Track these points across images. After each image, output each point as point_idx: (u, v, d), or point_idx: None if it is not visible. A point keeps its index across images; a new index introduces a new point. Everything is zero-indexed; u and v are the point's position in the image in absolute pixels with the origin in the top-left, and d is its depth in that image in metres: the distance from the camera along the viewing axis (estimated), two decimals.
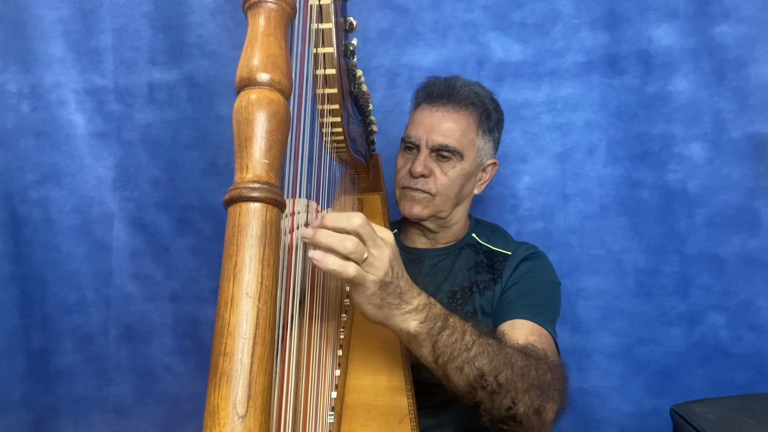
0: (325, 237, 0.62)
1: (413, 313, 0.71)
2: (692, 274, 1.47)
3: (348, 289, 1.03)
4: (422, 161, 1.12)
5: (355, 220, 0.64)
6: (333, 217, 0.64)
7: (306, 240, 0.63)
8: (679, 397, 1.33)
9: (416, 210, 1.14)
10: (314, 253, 0.62)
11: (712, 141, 1.45)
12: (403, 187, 1.16)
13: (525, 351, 0.82)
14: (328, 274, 0.84)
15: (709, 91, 1.45)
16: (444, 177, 1.12)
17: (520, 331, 0.96)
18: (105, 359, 1.70)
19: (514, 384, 0.75)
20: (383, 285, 0.67)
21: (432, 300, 0.74)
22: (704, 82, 1.45)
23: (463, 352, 0.73)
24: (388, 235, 0.68)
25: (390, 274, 0.67)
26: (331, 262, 0.62)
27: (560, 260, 1.45)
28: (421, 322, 0.71)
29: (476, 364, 0.74)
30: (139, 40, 1.64)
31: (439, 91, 1.14)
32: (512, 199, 1.57)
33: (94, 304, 1.70)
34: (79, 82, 1.66)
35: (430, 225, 1.19)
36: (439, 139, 1.11)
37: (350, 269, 0.63)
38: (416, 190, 1.13)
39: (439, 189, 1.13)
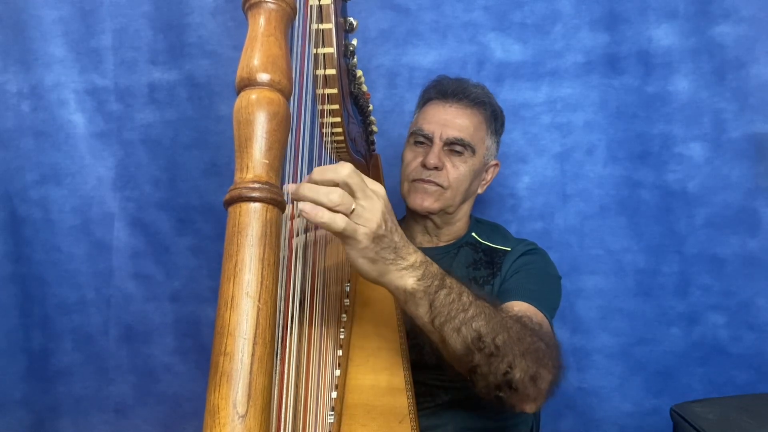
0: (310, 191, 0.61)
1: (410, 270, 0.70)
2: (692, 274, 1.48)
3: (348, 290, 1.03)
4: (436, 153, 1.13)
5: (343, 170, 0.62)
6: (320, 170, 0.63)
7: (292, 196, 0.61)
8: (678, 397, 1.33)
9: (427, 203, 1.14)
10: (304, 206, 0.60)
11: (711, 141, 1.45)
12: (414, 180, 1.16)
13: (520, 320, 0.81)
14: (328, 273, 0.84)
15: (709, 91, 1.45)
16: (456, 171, 1.13)
17: (516, 308, 0.94)
18: (105, 359, 1.70)
19: (511, 347, 0.74)
20: (376, 238, 0.65)
21: (428, 259, 0.73)
22: (704, 82, 1.45)
23: (460, 312, 0.72)
24: (378, 187, 0.67)
25: (383, 227, 0.66)
26: (320, 215, 0.60)
27: (560, 260, 1.44)
28: (419, 279, 0.70)
29: (473, 325, 0.72)
30: (139, 40, 1.64)
31: (452, 89, 1.16)
32: (512, 199, 1.57)
33: (94, 304, 1.70)
34: (79, 82, 1.66)
35: (436, 219, 1.19)
36: (454, 133, 1.12)
37: (339, 221, 0.61)
38: (428, 182, 1.13)
39: (451, 182, 1.14)
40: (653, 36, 1.46)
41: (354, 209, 0.63)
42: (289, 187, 0.61)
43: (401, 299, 0.73)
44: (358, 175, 0.63)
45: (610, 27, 1.48)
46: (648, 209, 1.50)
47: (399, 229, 0.69)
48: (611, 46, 1.49)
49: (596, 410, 1.53)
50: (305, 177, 0.63)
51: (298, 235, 0.68)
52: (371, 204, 0.64)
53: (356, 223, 0.63)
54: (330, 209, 0.61)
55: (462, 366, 0.76)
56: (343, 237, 0.64)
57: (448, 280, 0.73)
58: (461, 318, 0.72)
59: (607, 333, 1.53)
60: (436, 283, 0.71)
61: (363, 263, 0.67)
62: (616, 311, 1.52)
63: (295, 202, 0.64)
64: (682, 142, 1.47)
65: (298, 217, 0.66)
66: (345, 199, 0.62)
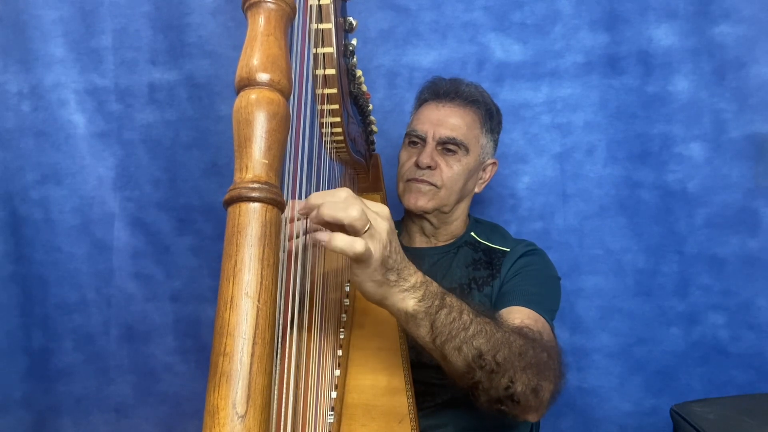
0: (329, 209, 0.60)
1: (411, 291, 0.69)
2: (692, 274, 1.47)
3: (348, 289, 1.03)
4: (429, 153, 1.13)
5: (341, 194, 0.61)
6: (318, 195, 0.62)
7: (303, 212, 0.61)
8: (678, 397, 1.33)
9: (421, 202, 1.15)
10: (321, 235, 0.59)
11: (711, 141, 1.45)
12: (408, 180, 1.16)
13: (521, 332, 0.81)
14: (327, 273, 0.84)
15: (709, 91, 1.45)
16: (449, 170, 1.14)
17: (516, 315, 0.95)
18: (106, 359, 1.70)
19: (512, 363, 0.74)
20: (384, 260, 0.65)
21: (428, 278, 0.73)
22: (704, 83, 1.45)
23: (461, 331, 0.72)
24: (382, 208, 0.66)
25: (389, 248, 0.65)
26: (338, 240, 0.60)
27: (560, 260, 1.44)
28: (419, 301, 0.70)
29: (474, 343, 0.72)
30: (139, 40, 1.64)
31: (445, 89, 1.17)
32: (512, 199, 1.57)
33: (94, 304, 1.70)
34: (79, 82, 1.66)
35: (432, 219, 1.19)
36: (446, 132, 1.13)
37: (358, 245, 0.60)
38: (422, 181, 1.14)
39: (444, 181, 1.14)
40: (653, 36, 1.46)
41: (368, 229, 0.62)
42: (298, 205, 0.61)
43: (402, 320, 0.73)
44: (357, 197, 0.63)
45: (610, 27, 1.48)
46: (648, 209, 1.50)
47: (401, 249, 0.69)
48: (611, 46, 1.49)
49: (596, 410, 1.53)
50: (303, 203, 0.62)
51: (297, 237, 0.68)
52: (378, 224, 0.63)
53: (369, 245, 0.62)
54: (346, 225, 0.60)
55: (464, 382, 0.76)
56: (358, 260, 0.63)
57: (449, 299, 0.73)
58: (462, 337, 0.72)
59: (606, 333, 1.52)
60: (436, 303, 0.71)
61: (370, 286, 0.67)
62: (616, 311, 1.52)
63: (295, 204, 0.64)
64: (682, 142, 1.47)
65: (298, 220, 0.66)
66: (363, 215, 0.61)
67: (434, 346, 0.73)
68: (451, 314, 0.72)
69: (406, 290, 0.69)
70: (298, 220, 0.68)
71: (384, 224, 0.64)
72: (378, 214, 0.64)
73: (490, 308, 1.02)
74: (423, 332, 0.72)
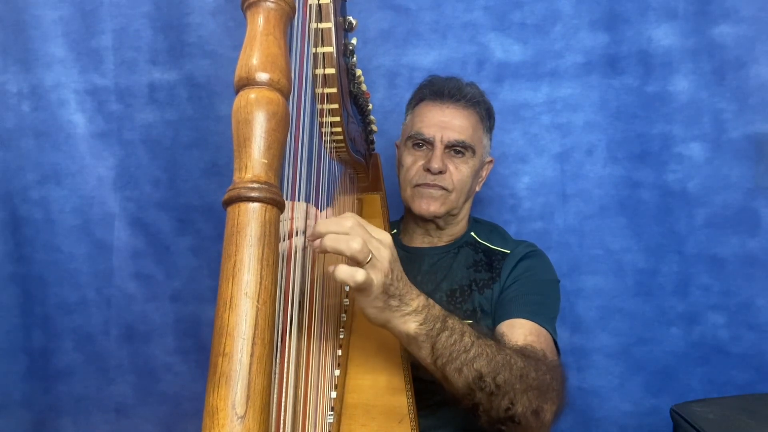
0: (332, 241, 0.62)
1: (413, 315, 0.71)
2: (691, 274, 1.47)
3: (348, 288, 1.03)
4: (440, 157, 1.12)
5: (346, 223, 0.64)
6: (324, 224, 0.64)
7: (316, 249, 0.64)
8: (678, 397, 1.33)
9: (434, 207, 1.14)
10: (328, 267, 0.62)
11: (711, 141, 1.45)
12: (417, 185, 1.15)
13: (524, 352, 0.83)
14: (327, 274, 0.84)
15: (709, 91, 1.45)
16: (459, 173, 1.14)
17: (519, 330, 0.96)
18: (106, 359, 1.70)
19: (512, 385, 0.76)
20: (385, 287, 0.67)
21: (431, 301, 0.74)
22: (704, 82, 1.45)
23: (461, 353, 0.74)
24: (385, 236, 0.68)
25: (390, 276, 0.67)
26: (340, 272, 0.62)
27: (560, 260, 1.44)
28: (421, 324, 0.72)
29: (475, 365, 0.74)
30: (139, 40, 1.64)
31: (449, 90, 1.15)
32: (512, 199, 1.57)
33: (94, 304, 1.70)
34: (79, 83, 1.66)
35: (440, 222, 1.19)
36: (455, 135, 1.12)
37: (359, 275, 0.63)
38: (434, 186, 1.13)
39: (455, 184, 1.14)
40: (653, 36, 1.46)
41: (370, 259, 0.64)
42: (299, 209, 0.65)
43: (404, 342, 0.75)
44: (362, 226, 0.65)
45: (610, 27, 1.48)
46: (648, 209, 1.49)
47: (403, 275, 0.71)
48: (611, 46, 1.49)
49: (596, 410, 1.53)
50: (312, 225, 0.67)
51: (297, 235, 0.69)
52: (380, 254, 0.66)
53: (371, 275, 0.64)
54: (348, 257, 0.63)
55: (464, 402, 0.78)
56: (359, 289, 0.66)
57: (450, 322, 0.75)
58: (462, 359, 0.74)
59: (606, 333, 1.52)
60: (437, 326, 0.73)
61: (372, 312, 0.70)
62: (616, 311, 1.52)
63: (294, 203, 0.64)
64: (682, 142, 1.47)
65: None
66: (365, 247, 0.63)
67: (435, 367, 0.75)
68: (452, 337, 0.74)
69: (407, 314, 0.71)
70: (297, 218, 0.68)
71: (386, 253, 0.66)
72: (381, 242, 0.67)
73: (491, 327, 1.03)
74: (424, 354, 0.74)
